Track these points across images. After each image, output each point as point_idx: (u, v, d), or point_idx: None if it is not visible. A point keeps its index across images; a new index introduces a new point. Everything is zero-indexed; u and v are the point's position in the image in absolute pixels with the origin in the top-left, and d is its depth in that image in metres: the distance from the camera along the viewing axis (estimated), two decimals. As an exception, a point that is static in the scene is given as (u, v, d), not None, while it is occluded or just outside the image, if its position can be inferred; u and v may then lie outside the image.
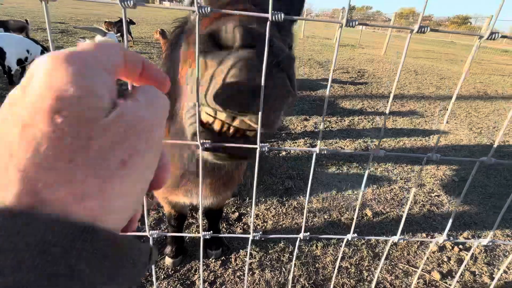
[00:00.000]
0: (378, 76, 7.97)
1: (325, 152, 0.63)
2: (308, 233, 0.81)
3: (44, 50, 4.50)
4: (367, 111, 5.00)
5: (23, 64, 4.17)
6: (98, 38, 3.66)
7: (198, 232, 2.05)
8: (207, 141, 0.53)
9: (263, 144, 0.57)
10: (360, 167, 3.12)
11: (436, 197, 2.72)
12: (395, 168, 3.17)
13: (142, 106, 0.26)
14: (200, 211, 0.73)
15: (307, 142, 3.63)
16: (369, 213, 2.40)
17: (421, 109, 5.44)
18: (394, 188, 2.79)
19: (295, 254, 0.86)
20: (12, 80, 4.11)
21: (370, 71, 8.66)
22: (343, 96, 5.75)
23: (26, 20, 6.95)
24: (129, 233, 0.30)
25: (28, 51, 4.22)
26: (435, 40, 30.43)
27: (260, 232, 0.76)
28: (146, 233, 0.70)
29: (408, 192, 2.74)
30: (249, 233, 0.75)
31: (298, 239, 0.80)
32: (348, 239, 0.82)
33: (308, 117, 4.48)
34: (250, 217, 2.21)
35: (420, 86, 7.29)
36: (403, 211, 2.46)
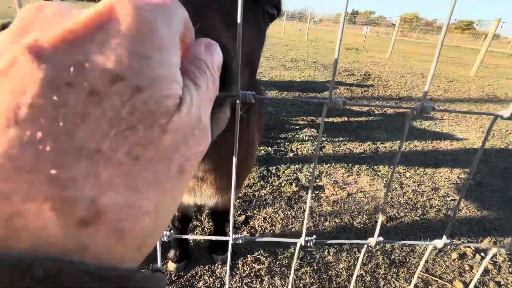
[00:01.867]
0: (384, 79, 7.86)
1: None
2: (314, 237, 0.66)
3: None
4: (375, 113, 4.89)
5: None
6: None
7: (203, 235, 1.94)
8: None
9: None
10: (371, 169, 3.00)
11: (452, 202, 2.58)
12: (407, 171, 3.05)
13: (205, 98, 0.22)
14: (231, 213, 0.63)
15: (314, 144, 3.52)
16: (382, 217, 2.28)
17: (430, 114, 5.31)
18: (407, 191, 2.67)
19: (295, 259, 0.75)
20: None
21: (376, 73, 8.55)
22: (349, 98, 5.65)
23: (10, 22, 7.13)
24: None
25: None
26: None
27: (243, 235, 0.64)
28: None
29: (422, 196, 2.62)
30: (240, 236, 0.63)
31: (299, 244, 0.65)
32: (370, 245, 0.69)
33: (315, 118, 4.37)
34: (257, 220, 2.10)
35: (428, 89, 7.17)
36: (418, 216, 2.34)
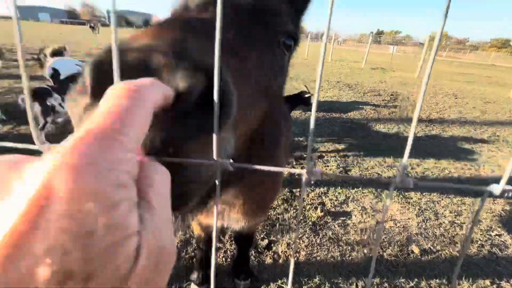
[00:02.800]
0: (413, 100, 7.58)
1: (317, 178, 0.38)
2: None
3: None
4: (404, 135, 4.68)
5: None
6: None
7: (226, 258, 1.92)
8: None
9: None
10: (401, 196, 2.83)
11: (497, 237, 2.34)
12: (442, 199, 2.83)
13: (163, 224, 0.22)
14: (213, 242, 0.62)
15: (340, 166, 3.43)
16: (416, 249, 2.11)
17: (466, 134, 4.99)
18: (444, 222, 2.47)
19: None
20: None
21: (404, 94, 8.29)
22: (376, 119, 5.49)
23: (65, 47, 8.01)
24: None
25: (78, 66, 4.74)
26: (474, 63, 28.86)
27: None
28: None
29: (460, 228, 2.40)
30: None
31: None
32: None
33: (340, 138, 4.29)
34: (281, 245, 2.05)
35: (462, 111, 6.78)
36: (457, 251, 2.13)
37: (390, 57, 18.90)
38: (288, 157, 2.01)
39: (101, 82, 0.28)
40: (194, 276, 1.64)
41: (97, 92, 0.27)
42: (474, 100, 8.15)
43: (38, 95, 3.01)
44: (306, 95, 3.83)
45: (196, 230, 1.54)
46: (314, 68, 13.06)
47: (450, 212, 2.62)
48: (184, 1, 0.59)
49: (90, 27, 30.71)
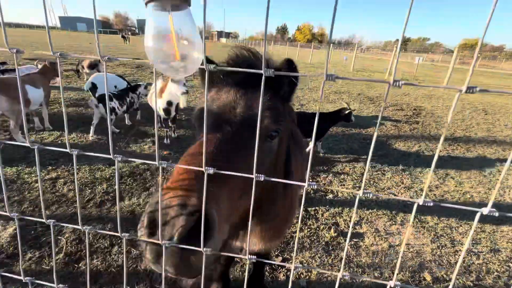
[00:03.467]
0: (438, 115, 7.38)
1: (369, 196, 0.60)
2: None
3: (129, 84, 5.43)
4: (425, 154, 4.62)
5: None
6: (159, 83, 4.21)
7: (242, 273, 2.08)
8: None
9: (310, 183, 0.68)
10: (417, 219, 2.85)
11: (516, 269, 2.30)
12: (460, 226, 2.81)
13: None
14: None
15: (356, 185, 3.49)
16: (428, 277, 2.14)
17: (493, 155, 4.80)
18: (460, 250, 2.46)
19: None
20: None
21: (428, 108, 8.08)
22: (396, 136, 5.44)
23: (99, 60, 8.70)
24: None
25: (115, 86, 5.15)
26: (510, 73, 27.09)
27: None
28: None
29: (477, 258, 2.38)
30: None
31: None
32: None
33: (358, 157, 4.33)
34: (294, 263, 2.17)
35: (491, 128, 6.50)
36: (471, 281, 2.14)
37: (415, 68, 18.28)
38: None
39: (151, 225, 0.60)
40: (213, 287, 1.81)
41: (151, 229, 0.59)
42: (506, 117, 7.75)
43: (103, 99, 4.17)
44: (347, 111, 4.04)
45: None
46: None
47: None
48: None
49: (122, 36, 32.72)
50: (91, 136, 4.15)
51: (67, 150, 0.62)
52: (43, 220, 0.72)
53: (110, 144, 0.57)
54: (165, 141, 4.28)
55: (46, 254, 2.06)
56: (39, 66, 4.66)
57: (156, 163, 0.57)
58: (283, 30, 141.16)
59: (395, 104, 8.25)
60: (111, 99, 4.25)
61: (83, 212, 2.55)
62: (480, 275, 2.21)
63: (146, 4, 0.38)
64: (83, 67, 8.67)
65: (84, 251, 2.10)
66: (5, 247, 2.09)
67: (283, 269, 2.12)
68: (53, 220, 0.72)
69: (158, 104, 4.05)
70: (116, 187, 0.58)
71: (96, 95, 4.90)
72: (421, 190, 3.46)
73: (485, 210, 0.53)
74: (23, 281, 0.82)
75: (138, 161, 0.63)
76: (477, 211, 0.54)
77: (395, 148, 4.83)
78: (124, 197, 2.83)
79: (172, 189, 0.62)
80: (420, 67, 24.88)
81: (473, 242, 2.58)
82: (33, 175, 3.05)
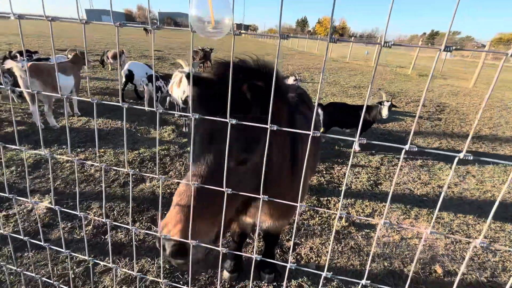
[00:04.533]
0: (463, 112, 7.05)
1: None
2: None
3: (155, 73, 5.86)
4: (445, 153, 4.47)
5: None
6: (178, 74, 4.37)
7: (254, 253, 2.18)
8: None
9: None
10: (432, 214, 2.81)
11: (535, 269, 2.23)
12: (478, 223, 2.74)
13: None
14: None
15: (371, 178, 3.47)
16: (439, 270, 2.14)
17: (521, 155, 4.56)
18: (476, 247, 2.42)
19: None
20: (138, 94, 6.13)
21: (453, 105, 7.73)
22: (416, 132, 5.29)
23: (122, 50, 9.10)
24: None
25: (146, 73, 5.58)
26: (547, 71, 25.06)
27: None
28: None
29: (494, 255, 2.34)
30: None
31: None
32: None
33: (373, 151, 4.28)
34: (304, 248, 2.24)
35: (521, 127, 6.13)
36: (485, 277, 2.11)
37: (442, 63, 17.35)
38: (314, 171, 2.19)
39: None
40: (227, 264, 1.93)
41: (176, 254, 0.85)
42: (539, 116, 7.26)
43: (151, 78, 4.90)
44: (387, 104, 4.11)
45: (235, 227, 1.82)
46: (355, 73, 12.71)
47: (485, 238, 2.54)
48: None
49: (144, 29, 33.49)
50: (147, 109, 4.40)
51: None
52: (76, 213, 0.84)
53: (157, 118, 0.66)
54: (183, 129, 4.44)
55: (77, 226, 2.26)
56: (69, 56, 4.95)
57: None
58: (303, 23, 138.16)
59: (417, 100, 7.96)
60: (157, 79, 5.00)
61: (108, 191, 2.75)
62: (495, 272, 2.17)
63: None
64: (107, 58, 9.08)
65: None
66: (42, 217, 2.31)
67: (294, 253, 2.20)
68: (83, 213, 0.84)
69: (177, 94, 4.21)
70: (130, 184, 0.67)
71: (134, 80, 5.45)
72: (439, 186, 3.39)
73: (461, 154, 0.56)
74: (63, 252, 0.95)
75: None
76: (455, 156, 0.57)
77: (414, 144, 4.70)
78: (145, 179, 3.00)
79: (167, 224, 0.85)
80: (449, 63, 23.59)
81: (491, 240, 2.52)
82: (64, 156, 3.30)
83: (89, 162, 0.80)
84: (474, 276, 2.11)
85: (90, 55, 11.05)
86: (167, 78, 5.15)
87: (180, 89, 4.19)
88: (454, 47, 0.48)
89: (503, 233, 2.63)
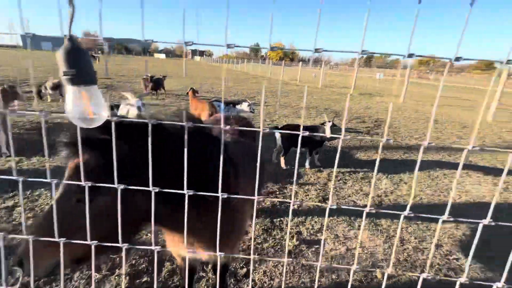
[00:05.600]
0: (396, 126, 8.06)
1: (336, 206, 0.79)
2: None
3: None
4: (382, 163, 5.03)
5: None
6: (127, 102, 4.32)
7: (208, 286, 2.14)
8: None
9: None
10: (373, 223, 3.11)
11: (455, 261, 2.60)
12: (409, 226, 3.11)
13: None
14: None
15: (320, 194, 3.72)
16: (379, 275, 2.35)
17: (440, 160, 5.35)
18: (408, 248, 2.73)
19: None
20: None
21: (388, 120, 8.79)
22: (358, 147, 5.87)
23: None
24: None
25: None
26: (457, 87, 30.16)
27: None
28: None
29: (422, 253, 2.66)
30: None
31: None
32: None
33: (322, 168, 4.61)
34: (258, 273, 2.28)
35: (440, 136, 7.23)
36: (416, 276, 2.38)
37: (377, 82, 19.89)
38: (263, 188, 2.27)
39: None
40: (177, 303, 1.86)
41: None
42: (453, 125, 8.66)
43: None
44: (328, 124, 4.52)
45: (178, 261, 1.80)
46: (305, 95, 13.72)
47: (415, 238, 2.89)
48: None
49: (91, 56, 31.87)
50: None
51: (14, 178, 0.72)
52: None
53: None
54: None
55: (-1, 286, 1.98)
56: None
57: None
58: (256, 49, 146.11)
59: (358, 117, 8.88)
60: (111, 109, 5.01)
61: (43, 239, 2.47)
62: (424, 269, 2.47)
63: (65, 82, 0.57)
64: (46, 88, 8.36)
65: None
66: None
67: (247, 280, 2.22)
68: None
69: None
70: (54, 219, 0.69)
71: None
72: (378, 196, 3.78)
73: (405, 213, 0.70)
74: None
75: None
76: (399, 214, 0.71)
77: (356, 158, 5.21)
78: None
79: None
80: (382, 82, 26.96)
81: (420, 239, 2.87)
82: (-13, 204, 2.90)
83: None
84: (407, 276, 2.37)
85: (25, 86, 10.07)
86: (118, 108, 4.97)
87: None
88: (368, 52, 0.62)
89: (429, 232, 3.02)
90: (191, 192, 0.80)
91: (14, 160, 4.03)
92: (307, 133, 0.69)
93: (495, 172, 4.90)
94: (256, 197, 0.82)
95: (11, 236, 0.85)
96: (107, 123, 0.71)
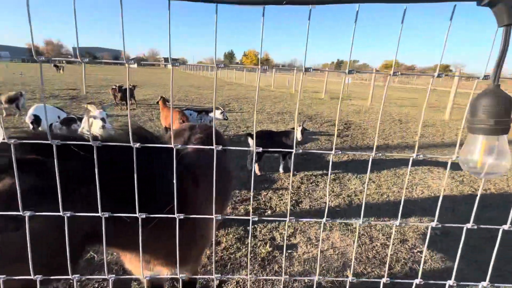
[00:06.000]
0: (364, 127, 8.45)
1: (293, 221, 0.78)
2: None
3: (68, 115, 5.32)
4: (352, 164, 5.23)
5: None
6: (90, 114, 4.12)
7: (178, 304, 2.05)
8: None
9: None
10: (343, 223, 3.20)
11: (419, 253, 2.74)
12: (377, 223, 3.23)
13: None
14: None
15: (293, 198, 3.76)
16: (349, 274, 2.41)
17: (404, 159, 5.68)
18: (376, 245, 2.84)
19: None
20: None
21: (357, 122, 9.20)
22: (329, 149, 6.06)
23: (20, 92, 8.04)
24: None
25: (58, 116, 4.99)
26: (419, 88, 32.48)
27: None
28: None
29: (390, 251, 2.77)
30: None
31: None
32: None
33: (295, 172, 4.69)
34: (230, 284, 2.24)
35: (405, 135, 7.69)
36: (384, 271, 2.47)
37: (346, 87, 20.86)
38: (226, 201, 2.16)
39: None
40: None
41: None
42: (416, 125, 9.26)
43: (66, 122, 4.68)
44: (299, 128, 4.54)
45: (146, 283, 1.71)
46: (279, 101, 13.98)
47: (383, 235, 3.01)
48: None
49: (54, 66, 30.01)
50: None
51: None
52: None
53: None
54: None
55: None
56: None
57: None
58: (230, 56, 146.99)
59: (329, 121, 9.20)
60: (74, 122, 4.84)
61: None
62: (391, 265, 2.57)
63: None
64: (1, 102, 7.74)
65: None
66: None
67: (220, 292, 2.17)
68: None
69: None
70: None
71: (39, 127, 4.77)
72: (348, 196, 3.91)
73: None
74: None
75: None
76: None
77: (327, 160, 5.37)
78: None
79: None
80: (353, 86, 28.28)
81: (387, 236, 3.00)
82: None
83: None
84: (375, 273, 2.45)
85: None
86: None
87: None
88: (399, 73, 0.61)
89: (395, 228, 3.17)
90: (143, 215, 0.76)
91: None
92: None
93: (453, 166, 5.29)
94: (214, 216, 0.80)
95: None
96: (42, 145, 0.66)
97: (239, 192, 3.81)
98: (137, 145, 0.69)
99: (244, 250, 2.65)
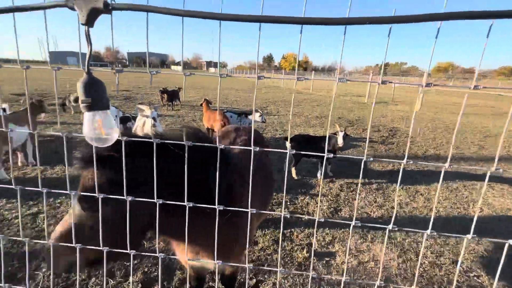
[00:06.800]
0: (411, 135, 7.83)
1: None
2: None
3: (124, 114, 5.91)
4: (397, 173, 4.90)
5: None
6: (141, 118, 4.44)
7: (217, 297, 2.15)
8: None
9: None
10: (387, 236, 3.01)
11: (475, 278, 2.46)
12: (426, 239, 2.99)
13: None
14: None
15: (331, 206, 3.67)
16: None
17: (459, 172, 5.13)
18: (424, 263, 2.62)
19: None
20: None
21: (403, 129, 8.58)
22: (372, 156, 5.74)
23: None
24: None
25: (116, 116, 5.56)
26: (479, 94, 28.98)
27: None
28: None
29: (440, 269, 2.54)
30: None
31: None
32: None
33: (334, 179, 4.55)
34: (267, 285, 2.27)
35: (460, 146, 6.95)
36: (433, 292, 2.28)
37: (392, 90, 19.48)
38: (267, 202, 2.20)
39: None
40: (187, 312, 1.88)
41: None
42: (473, 134, 8.30)
43: (123, 120, 5.13)
44: (341, 133, 4.44)
45: (189, 270, 1.83)
46: (318, 104, 13.68)
47: (432, 253, 2.77)
48: None
49: (112, 69, 33.45)
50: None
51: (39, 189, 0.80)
52: None
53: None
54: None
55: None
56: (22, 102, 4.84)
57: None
58: (269, 59, 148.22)
59: (373, 126, 8.72)
60: (129, 120, 5.27)
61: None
62: (442, 286, 2.36)
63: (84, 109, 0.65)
64: (70, 101, 8.89)
65: (59, 286, 2.14)
66: (-19, 285, 2.10)
67: (256, 291, 2.21)
68: None
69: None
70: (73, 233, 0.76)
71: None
72: (392, 208, 3.67)
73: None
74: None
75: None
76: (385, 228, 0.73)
77: (370, 168, 5.10)
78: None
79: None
80: (399, 90, 26.39)
81: (437, 254, 2.75)
82: (13, 211, 3.09)
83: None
84: (423, 293, 2.27)
85: (51, 98, 10.73)
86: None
87: (144, 133, 4.25)
88: (432, 84, 0.63)
89: (447, 247, 2.89)
90: (190, 204, 0.85)
91: (40, 169, 4.28)
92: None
93: (521, 183, 4.63)
94: (249, 210, 0.87)
95: (34, 241, 0.93)
96: (117, 143, 0.79)
97: (276, 195, 3.83)
98: (189, 143, 0.78)
99: (281, 252, 2.66)
